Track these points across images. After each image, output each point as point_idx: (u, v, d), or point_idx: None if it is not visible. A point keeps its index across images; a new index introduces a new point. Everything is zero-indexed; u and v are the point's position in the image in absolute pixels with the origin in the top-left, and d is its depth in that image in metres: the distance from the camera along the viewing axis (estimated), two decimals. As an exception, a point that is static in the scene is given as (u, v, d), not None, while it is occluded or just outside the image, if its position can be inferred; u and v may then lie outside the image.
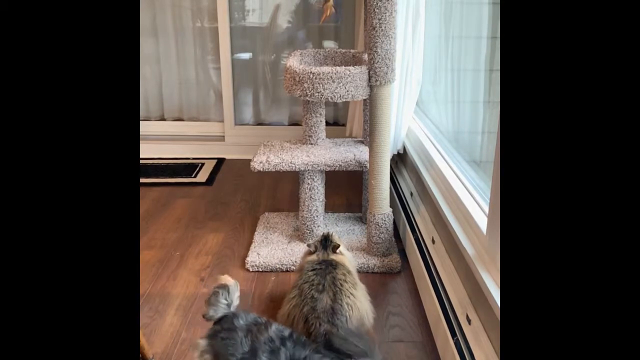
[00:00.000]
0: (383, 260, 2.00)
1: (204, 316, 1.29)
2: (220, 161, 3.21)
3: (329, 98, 1.83)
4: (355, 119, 2.74)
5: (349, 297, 1.40)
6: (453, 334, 1.44)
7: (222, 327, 1.23)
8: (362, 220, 2.34)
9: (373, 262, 1.99)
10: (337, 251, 1.59)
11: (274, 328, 1.20)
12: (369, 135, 1.94)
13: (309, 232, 2.12)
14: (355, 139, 2.33)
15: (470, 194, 1.57)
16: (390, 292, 1.88)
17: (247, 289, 1.89)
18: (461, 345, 1.37)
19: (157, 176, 2.95)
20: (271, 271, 2.00)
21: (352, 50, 2.22)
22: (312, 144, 2.17)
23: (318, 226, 2.11)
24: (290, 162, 2.01)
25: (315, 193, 2.06)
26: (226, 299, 1.28)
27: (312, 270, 1.48)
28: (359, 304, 1.42)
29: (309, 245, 1.62)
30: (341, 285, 1.41)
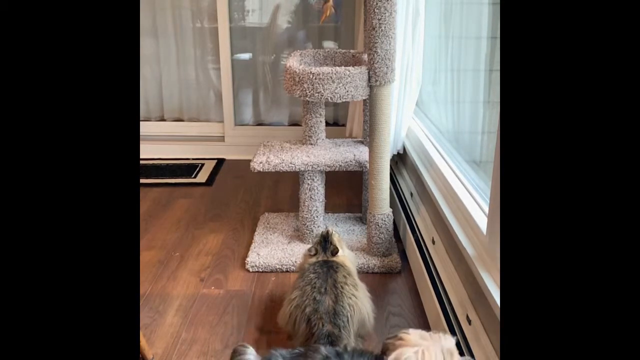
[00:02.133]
0: (383, 261, 2.00)
1: None
2: (220, 161, 3.21)
3: (329, 98, 1.83)
4: (355, 119, 2.74)
5: (350, 298, 1.42)
6: (453, 334, 1.44)
7: None
8: (362, 220, 2.34)
9: (373, 262, 1.99)
10: (337, 254, 1.59)
11: (323, 349, 1.08)
12: (369, 136, 1.94)
13: (309, 233, 2.12)
14: (355, 139, 2.33)
15: (470, 194, 1.57)
16: (391, 293, 1.88)
17: (247, 290, 1.89)
18: (461, 345, 1.37)
19: (157, 177, 2.95)
20: (271, 271, 2.00)
21: (351, 51, 2.22)
22: (312, 144, 2.17)
23: (318, 226, 2.11)
24: (290, 163, 2.01)
25: (315, 193, 2.06)
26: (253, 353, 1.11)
27: (313, 272, 1.48)
28: (360, 305, 1.44)
29: (309, 250, 1.63)
30: (342, 287, 1.43)
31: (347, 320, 1.38)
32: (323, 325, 1.36)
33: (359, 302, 1.44)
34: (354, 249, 2.08)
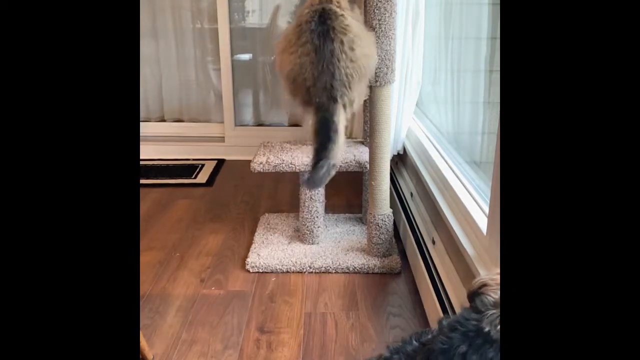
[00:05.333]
0: (383, 261, 2.00)
1: None
2: (220, 162, 3.22)
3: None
4: (355, 119, 2.74)
5: (347, 68, 1.43)
6: (453, 335, 1.43)
7: None
8: (362, 221, 2.34)
9: (373, 262, 1.99)
10: None
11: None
12: (369, 136, 1.94)
13: (309, 233, 2.12)
14: (355, 140, 2.33)
15: (470, 195, 1.57)
16: (391, 293, 1.88)
17: (248, 290, 1.89)
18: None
19: (157, 177, 2.95)
20: (271, 272, 2.00)
21: (352, 51, 2.22)
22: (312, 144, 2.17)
23: (318, 227, 2.11)
24: (290, 163, 2.01)
25: (315, 194, 2.06)
26: None
27: (310, 43, 1.45)
28: (358, 67, 1.46)
29: None
30: (338, 60, 1.43)
31: (346, 89, 1.43)
32: (320, 97, 1.41)
33: (357, 64, 1.45)
34: (354, 250, 2.08)
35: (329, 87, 1.41)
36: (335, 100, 1.41)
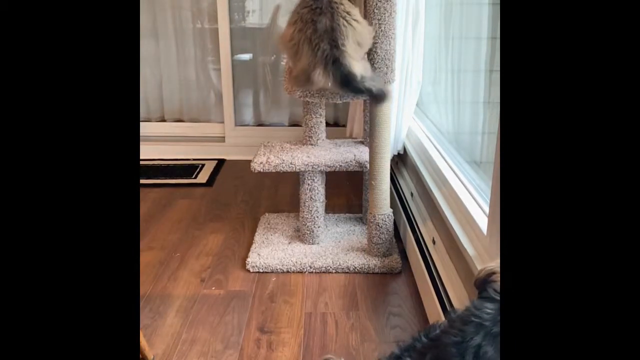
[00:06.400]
0: (383, 261, 2.00)
1: None
2: (220, 162, 3.22)
3: (329, 99, 1.83)
4: (356, 119, 2.74)
5: (344, 17, 1.50)
6: (453, 335, 1.43)
7: None
8: (363, 221, 2.34)
9: (373, 262, 1.99)
10: None
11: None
12: (369, 136, 1.94)
13: (310, 233, 2.12)
14: (356, 140, 2.33)
15: (470, 194, 1.57)
16: (391, 293, 1.88)
17: (248, 290, 1.89)
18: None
19: (157, 177, 2.95)
20: (272, 272, 2.00)
21: (352, 51, 2.22)
22: (312, 144, 2.17)
23: (318, 227, 2.11)
24: (291, 163, 2.01)
25: (315, 194, 2.06)
26: None
27: None
28: (354, 23, 1.53)
29: None
30: (337, 7, 1.51)
31: (344, 36, 1.48)
32: (322, 42, 1.47)
33: (353, 19, 1.53)
34: (354, 250, 2.08)
35: (329, 29, 1.47)
36: (337, 46, 1.46)
